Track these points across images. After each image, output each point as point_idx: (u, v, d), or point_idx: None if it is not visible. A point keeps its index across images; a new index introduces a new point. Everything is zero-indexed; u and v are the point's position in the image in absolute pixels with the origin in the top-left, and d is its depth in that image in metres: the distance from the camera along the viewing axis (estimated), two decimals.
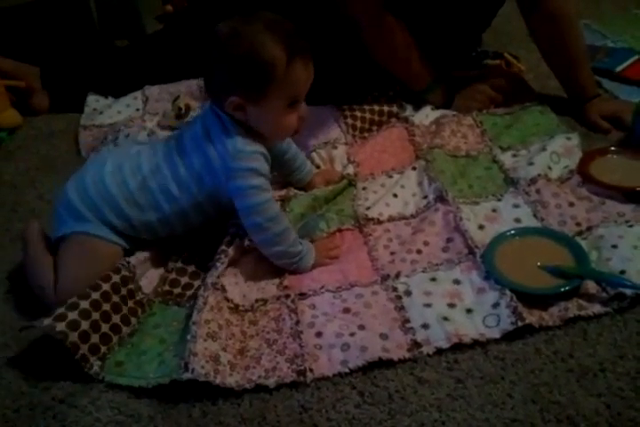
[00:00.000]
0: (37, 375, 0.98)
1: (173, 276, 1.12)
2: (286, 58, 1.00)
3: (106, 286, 1.02)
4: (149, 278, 1.12)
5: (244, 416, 0.89)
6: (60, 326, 0.94)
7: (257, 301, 1.07)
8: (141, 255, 1.11)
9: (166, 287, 1.11)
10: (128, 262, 1.08)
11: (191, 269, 1.13)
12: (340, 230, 1.20)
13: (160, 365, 0.96)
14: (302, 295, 1.07)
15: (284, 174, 1.28)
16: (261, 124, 1.06)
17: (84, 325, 0.96)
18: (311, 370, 0.93)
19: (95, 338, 0.97)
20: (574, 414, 0.84)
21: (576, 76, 1.47)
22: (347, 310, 1.02)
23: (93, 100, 1.72)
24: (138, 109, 1.66)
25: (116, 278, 1.04)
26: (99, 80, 1.76)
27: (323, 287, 1.08)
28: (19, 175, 1.52)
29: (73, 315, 0.96)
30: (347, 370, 0.93)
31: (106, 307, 1.00)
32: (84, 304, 0.98)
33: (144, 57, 1.78)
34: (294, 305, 1.05)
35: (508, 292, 0.99)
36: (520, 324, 0.94)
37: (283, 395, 0.92)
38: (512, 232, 1.12)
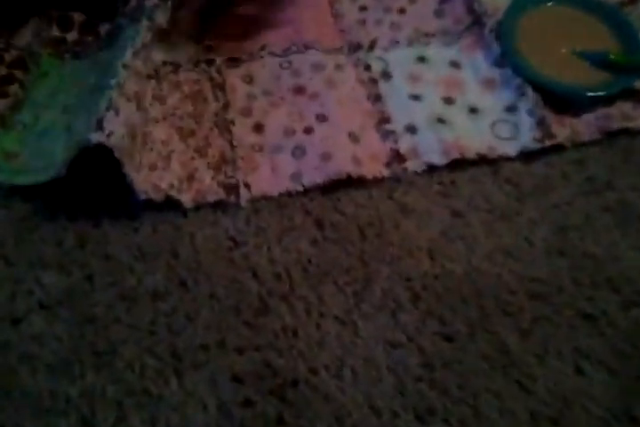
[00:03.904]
0: None
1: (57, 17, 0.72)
2: None
3: None
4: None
5: (143, 250, 0.60)
6: None
7: (165, 64, 0.70)
8: None
9: (54, 32, 0.72)
10: None
11: None
12: None
13: (70, 139, 0.63)
14: (234, 61, 0.71)
15: None
16: None
17: None
18: (247, 185, 0.63)
19: None
20: (615, 276, 0.60)
21: None
22: (300, 90, 0.69)
23: None
24: None
25: None
26: None
27: (264, 48, 0.73)
28: None
29: None
30: (300, 188, 0.63)
31: None
32: None
33: None
34: (221, 77, 0.70)
35: (529, 91, 0.69)
36: (548, 143, 0.66)
37: (203, 219, 0.62)
38: None
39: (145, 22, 0.65)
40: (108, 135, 0.56)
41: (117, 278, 0.59)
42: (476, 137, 0.68)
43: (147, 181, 0.60)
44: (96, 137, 0.56)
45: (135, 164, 0.59)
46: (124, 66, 0.61)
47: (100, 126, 0.56)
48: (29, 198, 0.63)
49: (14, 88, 0.67)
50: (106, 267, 0.59)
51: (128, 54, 0.62)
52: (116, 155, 0.56)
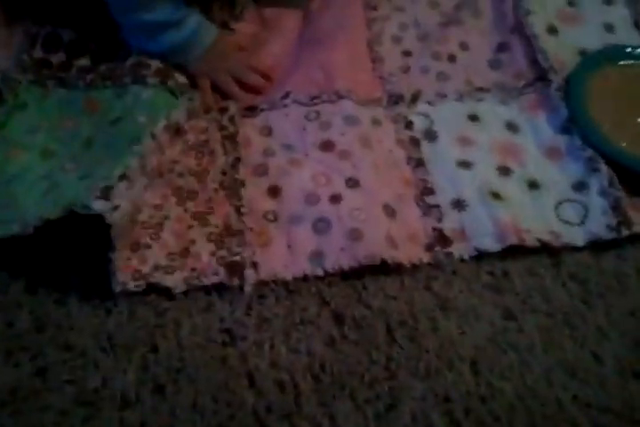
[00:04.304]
0: None
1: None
2: None
3: None
4: None
5: (114, 340, 0.48)
6: None
7: None
8: None
9: (38, 53, 0.62)
10: None
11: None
12: None
13: (49, 193, 0.52)
14: (250, 110, 0.60)
15: None
16: None
17: None
18: (255, 265, 0.51)
19: None
20: None
21: None
22: (329, 146, 0.58)
23: None
24: None
25: None
26: None
27: (288, 95, 0.61)
28: None
29: None
30: (320, 273, 0.51)
31: None
32: None
33: None
34: (234, 127, 0.59)
35: (603, 166, 0.57)
36: (626, 232, 0.54)
37: (193, 303, 0.50)
38: (628, 50, 0.66)
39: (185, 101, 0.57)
40: (114, 208, 0.48)
41: (77, 376, 0.46)
42: (536, 219, 0.56)
43: (126, 265, 0.48)
44: (99, 206, 0.47)
45: (123, 245, 0.48)
46: (153, 135, 0.53)
47: (106, 195, 0.48)
48: None
49: None
50: (64, 359, 0.47)
51: (160, 125, 0.54)
52: (112, 234, 0.47)
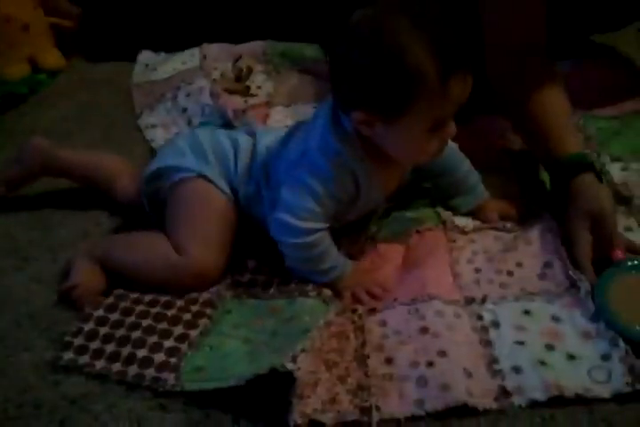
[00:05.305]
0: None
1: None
2: (439, 70, 0.78)
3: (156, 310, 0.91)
4: None
5: None
6: (101, 364, 0.85)
7: None
8: None
9: (235, 277, 0.98)
10: None
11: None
12: (418, 232, 1.03)
13: (252, 362, 0.82)
14: (372, 311, 0.91)
15: (444, 196, 1.07)
16: (390, 146, 0.87)
17: (142, 352, 0.85)
18: (378, 408, 0.77)
19: (159, 357, 0.85)
20: None
21: None
22: (424, 330, 0.85)
23: (144, 57, 1.61)
24: (194, 68, 1.49)
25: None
26: (148, 30, 1.60)
27: (396, 300, 0.91)
28: (54, 124, 1.38)
29: (126, 350, 0.86)
30: (422, 413, 0.77)
31: (162, 326, 0.89)
32: (137, 334, 0.88)
33: (205, 10, 1.61)
34: (361, 321, 0.89)
35: (621, 343, 0.82)
36: (638, 387, 0.77)
37: None
38: (633, 263, 0.92)
39: (332, 306, 0.90)
40: (299, 369, 0.76)
41: None
42: (573, 379, 0.79)
43: (297, 409, 0.75)
44: (291, 366, 0.76)
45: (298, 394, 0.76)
46: (318, 328, 0.84)
47: (294, 360, 0.77)
48: (204, 405, 0.79)
49: (204, 321, 0.90)
50: None
51: (321, 322, 0.85)
52: (296, 385, 0.75)
